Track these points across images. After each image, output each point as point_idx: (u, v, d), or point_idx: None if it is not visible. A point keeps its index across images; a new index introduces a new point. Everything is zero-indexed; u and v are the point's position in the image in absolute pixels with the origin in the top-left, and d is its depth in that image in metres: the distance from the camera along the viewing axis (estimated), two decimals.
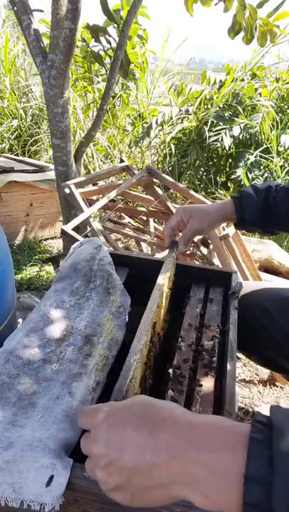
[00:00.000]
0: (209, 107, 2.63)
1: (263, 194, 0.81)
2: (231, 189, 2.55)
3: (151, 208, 1.66)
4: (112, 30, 2.07)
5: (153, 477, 0.33)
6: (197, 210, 0.82)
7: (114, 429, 0.35)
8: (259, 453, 0.29)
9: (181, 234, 0.83)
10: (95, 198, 1.62)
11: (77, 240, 1.11)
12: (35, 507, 0.39)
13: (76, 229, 1.26)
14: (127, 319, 0.68)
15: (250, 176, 2.41)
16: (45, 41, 1.63)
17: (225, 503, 0.30)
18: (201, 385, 0.57)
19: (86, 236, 1.31)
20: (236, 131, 2.45)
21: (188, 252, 1.44)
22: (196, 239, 1.40)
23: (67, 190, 1.39)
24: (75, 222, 1.25)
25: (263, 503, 0.28)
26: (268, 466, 0.29)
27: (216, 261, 1.41)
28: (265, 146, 2.45)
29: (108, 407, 0.38)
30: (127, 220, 1.94)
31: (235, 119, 2.46)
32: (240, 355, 1.45)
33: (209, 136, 2.44)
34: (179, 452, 0.32)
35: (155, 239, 1.60)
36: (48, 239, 2.26)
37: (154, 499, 0.34)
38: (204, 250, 1.44)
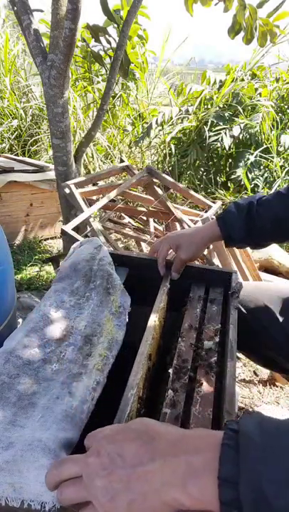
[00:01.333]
0: (209, 107, 2.63)
1: (245, 210, 0.82)
2: (231, 189, 2.55)
3: (151, 208, 1.66)
4: (112, 30, 2.07)
5: (149, 482, 0.35)
6: (184, 240, 0.83)
7: (116, 442, 0.38)
8: (229, 457, 0.33)
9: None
10: (95, 198, 1.62)
11: (77, 240, 1.11)
12: (36, 506, 0.39)
13: (76, 229, 1.26)
14: (127, 319, 0.68)
15: (250, 175, 2.41)
16: (45, 41, 1.63)
17: (209, 502, 0.33)
18: (201, 385, 0.57)
19: (86, 236, 1.31)
20: (236, 131, 2.45)
21: None
22: None
23: (67, 190, 1.39)
24: (75, 222, 1.25)
25: (234, 501, 0.32)
26: (236, 468, 0.32)
27: (216, 261, 1.41)
28: (265, 146, 2.45)
29: (111, 426, 0.41)
30: (127, 220, 1.94)
31: (235, 119, 2.46)
32: (240, 355, 1.45)
33: (209, 136, 2.44)
34: (170, 457, 0.36)
35: (155, 239, 1.60)
36: (48, 239, 2.26)
37: (148, 506, 0.35)
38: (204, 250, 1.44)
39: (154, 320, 0.66)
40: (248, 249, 1.49)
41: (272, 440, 0.34)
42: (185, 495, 0.34)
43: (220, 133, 2.41)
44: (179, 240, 0.83)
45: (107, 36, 1.91)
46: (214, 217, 0.86)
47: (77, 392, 0.51)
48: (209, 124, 2.47)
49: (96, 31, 1.88)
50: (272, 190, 2.40)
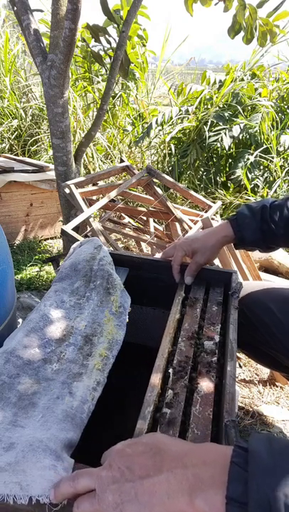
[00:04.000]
0: (209, 107, 2.62)
1: (259, 214, 0.82)
2: (231, 189, 2.55)
3: (151, 208, 1.66)
4: (112, 30, 2.07)
5: (155, 494, 0.36)
6: (198, 245, 0.83)
7: (126, 456, 0.39)
8: (238, 475, 0.34)
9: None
10: (95, 198, 1.62)
11: (77, 240, 1.11)
12: (44, 500, 0.39)
13: (76, 229, 1.26)
14: (127, 319, 0.68)
15: (250, 175, 2.41)
16: (45, 41, 1.63)
17: None
18: (201, 385, 0.57)
19: (86, 236, 1.32)
20: (236, 131, 2.45)
21: None
22: None
23: (67, 190, 1.39)
24: (75, 222, 1.25)
25: None
26: (244, 487, 0.33)
27: (216, 261, 1.41)
28: (265, 146, 2.45)
29: (124, 441, 0.42)
30: (127, 220, 1.94)
31: (235, 119, 2.46)
32: (240, 355, 1.45)
33: (209, 136, 2.44)
34: (178, 469, 0.36)
35: (155, 239, 1.60)
36: (48, 239, 2.26)
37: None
38: None
39: (169, 332, 0.67)
40: None
41: (281, 461, 0.34)
42: (191, 507, 0.35)
43: (220, 133, 2.41)
44: (194, 245, 0.83)
45: (107, 36, 1.90)
46: (222, 219, 0.86)
47: (78, 392, 0.51)
48: (209, 124, 2.47)
49: (96, 31, 1.88)
50: (272, 190, 2.40)
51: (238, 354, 1.45)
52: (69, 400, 0.49)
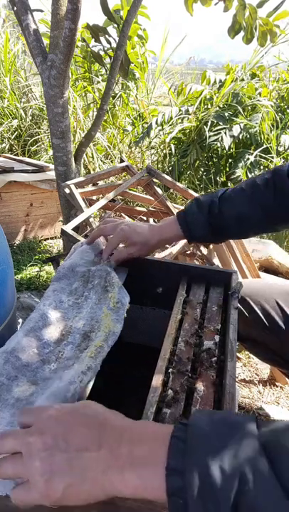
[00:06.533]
0: (209, 106, 2.62)
1: (207, 208, 0.80)
2: None
3: (151, 208, 1.66)
4: (112, 30, 2.07)
5: (91, 468, 0.36)
6: (139, 240, 0.80)
7: (63, 425, 0.38)
8: (177, 447, 0.34)
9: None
10: (95, 198, 1.62)
11: (78, 240, 1.11)
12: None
13: (76, 229, 1.26)
14: (125, 314, 0.68)
15: (250, 175, 2.41)
16: (45, 41, 1.63)
17: (150, 492, 0.34)
18: (201, 385, 0.57)
19: (86, 236, 1.31)
20: (236, 130, 2.45)
21: (188, 252, 1.44)
22: None
23: (67, 190, 1.39)
24: (75, 222, 1.25)
25: (180, 490, 0.32)
26: (182, 458, 0.33)
27: (216, 261, 1.41)
28: (265, 146, 2.45)
29: (59, 406, 0.41)
30: (127, 220, 1.94)
31: (235, 119, 2.46)
32: (240, 355, 1.45)
33: (209, 136, 2.44)
34: (116, 444, 0.36)
35: None
36: (48, 239, 2.26)
37: (85, 491, 0.36)
38: (204, 250, 1.44)
39: (171, 332, 0.67)
40: (248, 249, 1.49)
41: (221, 428, 0.35)
42: (123, 483, 0.35)
43: (220, 133, 2.41)
44: (134, 238, 0.79)
45: (107, 36, 1.90)
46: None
47: (66, 377, 0.51)
48: (209, 124, 2.47)
49: (96, 31, 1.88)
50: None
51: (238, 354, 1.45)
52: (57, 384, 0.50)
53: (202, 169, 2.66)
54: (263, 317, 0.86)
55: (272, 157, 2.42)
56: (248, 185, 0.80)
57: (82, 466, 0.36)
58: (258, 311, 0.86)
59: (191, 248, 1.44)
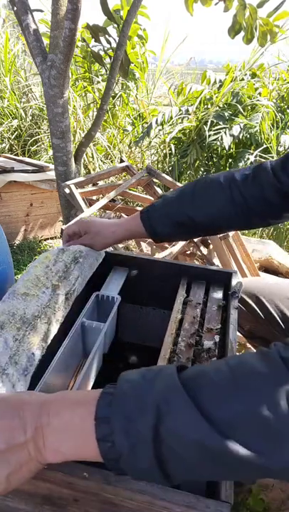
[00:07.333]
0: (209, 106, 2.62)
1: (175, 203, 0.75)
2: None
3: None
4: (112, 30, 2.07)
5: (23, 453, 0.37)
6: (94, 229, 0.79)
7: None
8: (105, 399, 0.37)
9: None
10: (95, 198, 1.62)
11: None
12: None
13: None
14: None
15: None
16: (45, 41, 1.63)
17: (81, 451, 0.37)
18: None
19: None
20: (236, 130, 2.45)
21: (188, 252, 1.44)
22: (195, 239, 1.40)
23: (67, 190, 1.39)
24: None
25: (108, 435, 0.35)
26: (109, 407, 0.37)
27: (216, 261, 1.41)
28: (265, 146, 2.45)
29: None
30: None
31: (235, 118, 2.46)
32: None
33: (209, 136, 2.44)
34: (36, 421, 0.38)
35: None
36: (48, 239, 2.26)
37: (26, 471, 0.38)
38: (204, 250, 1.44)
39: (171, 332, 0.67)
40: (248, 249, 1.49)
41: (146, 375, 0.38)
42: (49, 451, 0.37)
43: (220, 132, 2.41)
44: (90, 227, 0.79)
45: (107, 36, 1.90)
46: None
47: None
48: (209, 123, 2.47)
49: (96, 31, 1.88)
50: None
51: (238, 354, 1.45)
52: None
53: (202, 169, 2.66)
54: (276, 316, 0.86)
55: (272, 157, 2.42)
56: (226, 178, 0.74)
57: (14, 454, 0.37)
58: (272, 311, 0.87)
59: (191, 248, 1.44)
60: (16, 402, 0.39)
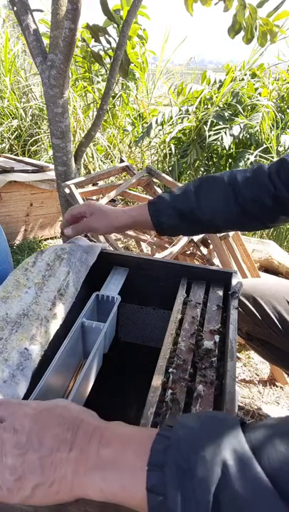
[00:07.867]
0: (209, 106, 2.62)
1: (181, 197, 0.77)
2: None
3: None
4: (112, 30, 2.07)
5: (61, 470, 0.35)
6: (102, 212, 0.79)
7: (38, 424, 0.38)
8: (160, 444, 0.34)
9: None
10: (95, 198, 1.62)
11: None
12: None
13: None
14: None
15: None
16: (45, 41, 1.63)
17: (116, 493, 0.34)
18: (201, 385, 0.57)
19: (86, 236, 1.31)
20: (236, 130, 2.45)
21: (188, 252, 1.44)
22: (195, 239, 1.40)
23: (67, 190, 1.39)
24: None
25: (159, 485, 0.32)
26: (164, 453, 0.33)
27: (216, 261, 1.41)
28: (265, 146, 2.45)
29: (36, 404, 0.40)
30: None
31: (235, 118, 2.46)
32: (240, 355, 1.45)
33: (209, 136, 2.44)
34: (84, 447, 0.36)
35: (155, 239, 1.60)
36: (48, 239, 2.26)
37: (53, 492, 0.36)
38: (204, 250, 1.44)
39: (171, 332, 0.67)
40: (248, 249, 1.49)
41: (207, 423, 0.35)
42: (90, 485, 0.35)
43: (220, 132, 2.41)
44: (96, 209, 0.80)
45: (107, 36, 1.90)
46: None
47: None
48: (209, 123, 2.47)
49: (96, 31, 1.87)
50: None
51: (238, 354, 1.45)
52: None
53: (202, 169, 2.66)
54: (274, 317, 0.86)
55: (272, 157, 2.42)
56: (229, 177, 0.76)
57: (52, 466, 0.35)
58: (270, 312, 0.87)
59: (191, 248, 1.44)
60: (76, 415, 0.38)
